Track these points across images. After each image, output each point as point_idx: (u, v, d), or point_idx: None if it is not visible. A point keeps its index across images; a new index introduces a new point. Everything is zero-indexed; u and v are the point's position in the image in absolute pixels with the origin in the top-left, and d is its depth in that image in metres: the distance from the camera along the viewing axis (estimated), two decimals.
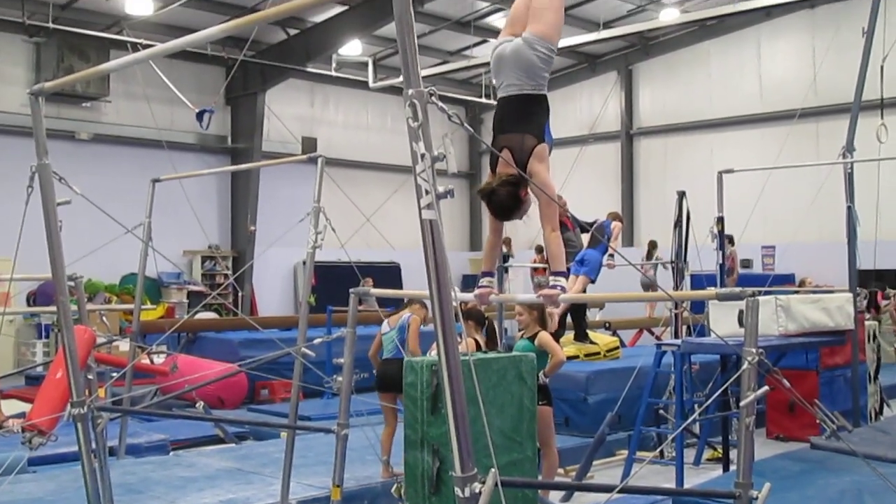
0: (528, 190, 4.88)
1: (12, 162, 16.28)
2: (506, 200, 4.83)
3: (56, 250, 4.96)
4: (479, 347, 7.93)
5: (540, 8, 5.12)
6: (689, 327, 11.51)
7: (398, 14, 3.11)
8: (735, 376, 4.59)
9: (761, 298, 4.71)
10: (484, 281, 5.25)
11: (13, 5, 17.17)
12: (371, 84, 22.17)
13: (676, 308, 11.38)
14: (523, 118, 5.01)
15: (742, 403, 4.45)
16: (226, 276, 20.82)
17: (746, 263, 20.10)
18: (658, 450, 9.89)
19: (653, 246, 18.60)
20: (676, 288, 10.93)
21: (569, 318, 12.21)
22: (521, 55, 5.06)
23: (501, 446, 6.11)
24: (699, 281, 12.00)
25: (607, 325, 15.09)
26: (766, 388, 4.55)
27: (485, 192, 4.89)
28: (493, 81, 5.27)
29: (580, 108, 24.75)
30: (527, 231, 20.34)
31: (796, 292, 12.65)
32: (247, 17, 4.01)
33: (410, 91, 3.08)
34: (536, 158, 4.92)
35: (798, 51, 20.74)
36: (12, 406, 10.41)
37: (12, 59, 18.39)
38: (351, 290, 6.59)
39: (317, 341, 7.58)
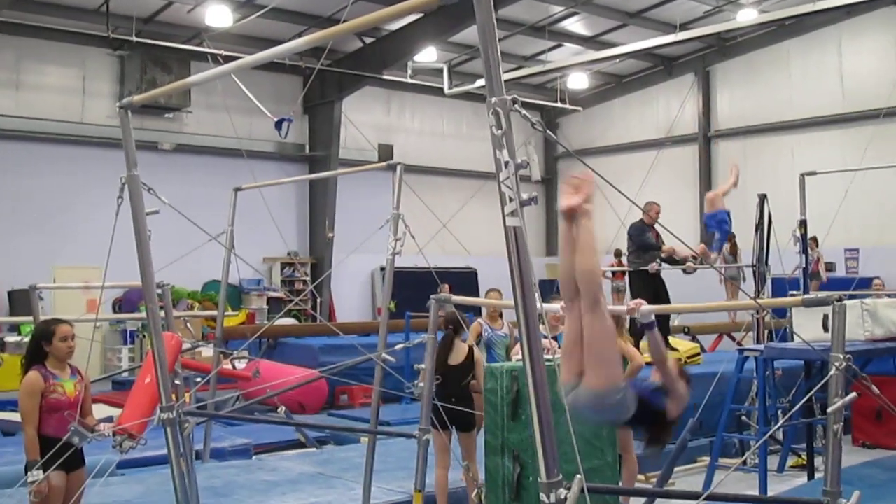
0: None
1: (99, 172, 16.86)
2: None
3: (145, 259, 5.09)
4: (470, 352, 7.90)
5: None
6: (771, 332, 11.33)
7: (481, 23, 3.13)
8: (822, 382, 4.52)
9: (847, 303, 4.63)
10: None
11: (98, 20, 17.62)
12: (446, 90, 22.29)
13: (758, 313, 11.22)
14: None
15: (829, 410, 4.38)
16: (305, 282, 21.06)
17: (830, 267, 19.69)
18: (742, 458, 9.75)
19: (732, 238, 18.36)
20: (758, 292, 10.77)
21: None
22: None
23: (582, 452, 6.04)
24: (781, 285, 11.83)
25: (687, 329, 14.92)
26: (853, 394, 4.47)
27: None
28: None
29: (657, 110, 24.51)
30: (604, 235, 20.22)
31: (868, 296, 12.35)
32: (329, 29, 4.08)
33: (494, 99, 3.10)
34: None
35: (881, 49, 20.23)
36: (100, 410, 10.66)
37: (98, 72, 18.89)
38: (432, 296, 6.62)
39: (398, 347, 7.63)
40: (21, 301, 15.38)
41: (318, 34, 4.12)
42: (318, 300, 20.36)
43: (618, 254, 19.37)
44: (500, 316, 9.38)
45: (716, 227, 12.30)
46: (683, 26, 19.96)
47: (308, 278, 21.15)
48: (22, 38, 17.82)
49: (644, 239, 11.99)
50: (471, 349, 7.96)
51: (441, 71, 22.23)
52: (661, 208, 12.59)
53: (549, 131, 3.65)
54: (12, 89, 17.95)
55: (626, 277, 13.63)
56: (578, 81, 24.05)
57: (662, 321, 12.17)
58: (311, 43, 4.12)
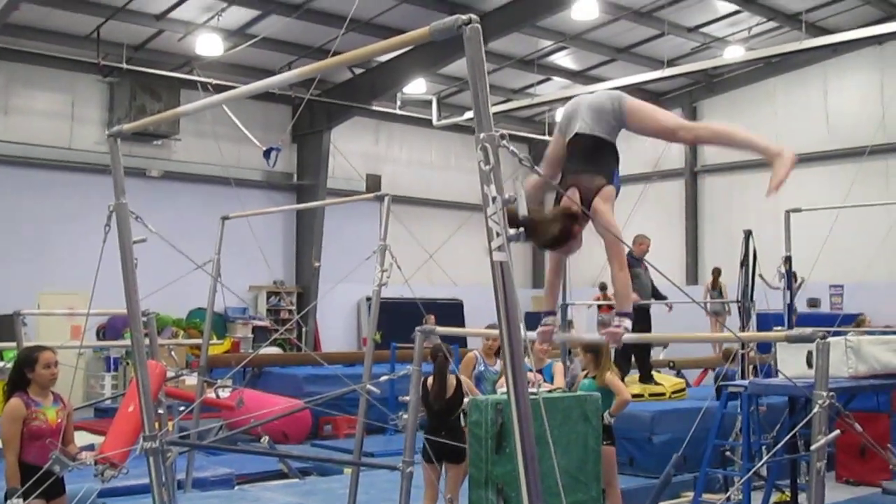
0: (581, 231, 4.80)
1: (86, 198, 16.84)
2: (558, 233, 4.58)
3: (131, 288, 5.07)
4: (458, 383, 7.88)
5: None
6: (755, 367, 11.35)
7: (470, 60, 3.16)
8: (806, 420, 4.54)
9: (831, 339, 4.65)
10: (547, 320, 5.24)
11: (89, 46, 17.68)
12: (435, 122, 22.39)
13: (743, 348, 11.24)
14: (594, 159, 5.02)
15: (813, 447, 4.39)
16: (290, 311, 21.02)
17: (814, 303, 19.78)
18: (726, 494, 9.73)
19: (717, 273, 18.43)
20: (743, 327, 10.80)
21: (633, 358, 12.14)
22: (598, 100, 5.12)
23: (567, 486, 6.07)
24: (766, 320, 11.85)
25: (672, 364, 14.94)
26: (837, 432, 4.48)
27: (532, 219, 4.33)
28: (563, 128, 5.20)
29: (644, 145, 24.44)
30: (590, 268, 20.26)
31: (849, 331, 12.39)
32: (321, 62, 4.11)
33: (482, 135, 3.13)
34: (601, 198, 4.91)
35: (866, 87, 20.44)
36: (82, 437, 10.56)
37: (87, 98, 18.91)
38: (417, 328, 6.61)
39: (383, 379, 7.62)
40: (5, 326, 15.26)
41: (309, 67, 4.14)
42: (304, 329, 20.32)
43: (603, 287, 19.39)
44: (497, 353, 9.08)
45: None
46: (671, 62, 20.15)
47: (294, 307, 21.12)
48: (12, 63, 17.85)
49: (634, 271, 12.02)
50: (458, 380, 7.94)
51: (430, 102, 22.34)
52: (650, 242, 12.66)
53: (535, 167, 3.67)
54: (1, 114, 17.95)
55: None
56: (565, 107, 24.13)
57: (644, 353, 12.21)
58: (304, 75, 4.14)
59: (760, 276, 10.98)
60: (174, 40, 18.27)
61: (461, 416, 7.50)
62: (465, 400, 7.39)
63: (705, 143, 5.08)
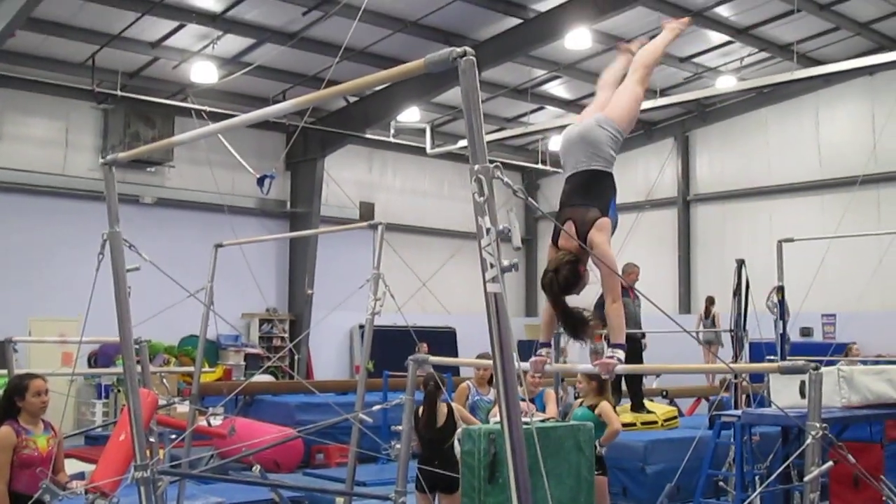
0: (587, 266, 4.92)
1: (79, 224, 16.82)
2: (566, 278, 4.87)
3: (124, 316, 5.07)
4: (450, 412, 7.89)
5: (618, 97, 5.27)
6: (748, 397, 11.34)
7: (465, 92, 3.18)
8: (799, 451, 4.54)
9: (823, 369, 4.66)
10: (542, 351, 5.28)
11: (84, 73, 17.71)
12: (428, 150, 22.46)
13: (736, 378, 11.24)
14: (589, 192, 5.09)
15: (806, 479, 4.39)
16: (283, 339, 20.97)
17: (807, 332, 19.80)
18: None
19: (710, 302, 18.43)
20: (736, 357, 10.81)
21: (624, 387, 12.12)
22: (589, 132, 5.18)
23: None
24: (759, 349, 11.86)
25: (664, 393, 14.91)
26: (830, 463, 4.49)
27: (546, 280, 4.96)
28: (562, 163, 5.34)
29: (637, 174, 24.72)
30: (583, 297, 20.25)
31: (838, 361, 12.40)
32: (317, 93, 4.13)
33: (476, 167, 3.14)
34: (597, 229, 4.96)
35: (858, 117, 20.56)
36: (72, 465, 10.50)
37: (81, 125, 18.94)
38: (410, 357, 6.61)
39: (375, 408, 7.59)
40: None
41: (305, 97, 4.16)
42: (296, 357, 20.26)
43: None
44: (489, 382, 9.08)
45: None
46: (664, 92, 20.25)
47: (286, 335, 21.07)
48: (7, 89, 17.87)
49: (601, 302, 12.08)
50: (450, 409, 7.93)
51: (423, 131, 22.42)
52: (640, 271, 12.69)
53: (529, 197, 3.69)
54: None
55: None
56: (559, 144, 24.24)
57: (635, 383, 12.19)
58: (300, 105, 4.17)
59: (752, 301, 10.97)
60: (169, 68, 18.33)
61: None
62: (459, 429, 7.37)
63: (650, 72, 5.38)
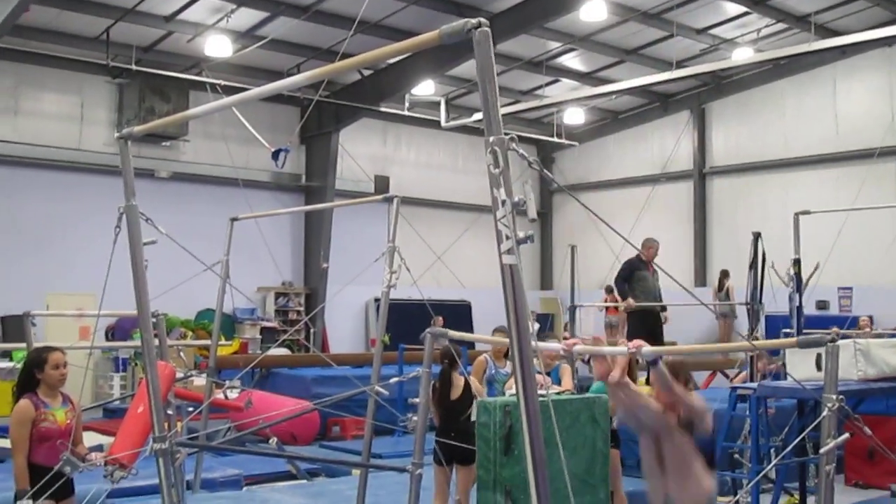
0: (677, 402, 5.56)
1: (95, 199, 16.89)
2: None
3: (142, 290, 5.08)
4: (467, 384, 7.90)
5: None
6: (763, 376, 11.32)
7: (480, 64, 3.17)
8: (815, 423, 4.53)
9: (840, 343, 4.65)
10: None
11: (98, 48, 17.72)
12: (443, 123, 22.41)
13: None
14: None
15: (822, 451, 4.39)
16: (299, 312, 21.03)
17: (823, 305, 19.73)
18: (735, 497, 9.70)
19: (724, 276, 18.38)
20: (752, 330, 10.78)
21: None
22: None
23: (575, 489, 6.06)
24: (775, 322, 11.83)
25: None
26: (846, 435, 4.48)
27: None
28: None
29: (652, 147, 24.63)
30: (598, 271, 20.26)
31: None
32: (332, 65, 4.12)
33: (492, 138, 3.13)
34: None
35: (875, 89, 20.37)
36: (91, 438, 10.60)
37: (96, 100, 18.96)
38: (428, 330, 6.61)
39: (392, 381, 7.61)
40: (14, 327, 15.33)
41: (319, 70, 4.15)
42: (312, 330, 20.33)
43: (609, 289, 19.38)
44: (506, 356, 9.14)
45: None
46: (679, 64, 20.11)
47: (302, 308, 21.13)
48: (21, 64, 17.90)
49: (622, 275, 12.13)
50: (466, 382, 7.95)
51: (438, 104, 22.36)
52: (659, 246, 12.66)
53: (544, 169, 3.68)
54: (10, 115, 18.01)
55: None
56: (575, 116, 24.19)
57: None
58: (314, 78, 4.15)
59: (773, 267, 10.90)
60: (183, 42, 18.31)
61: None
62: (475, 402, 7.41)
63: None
